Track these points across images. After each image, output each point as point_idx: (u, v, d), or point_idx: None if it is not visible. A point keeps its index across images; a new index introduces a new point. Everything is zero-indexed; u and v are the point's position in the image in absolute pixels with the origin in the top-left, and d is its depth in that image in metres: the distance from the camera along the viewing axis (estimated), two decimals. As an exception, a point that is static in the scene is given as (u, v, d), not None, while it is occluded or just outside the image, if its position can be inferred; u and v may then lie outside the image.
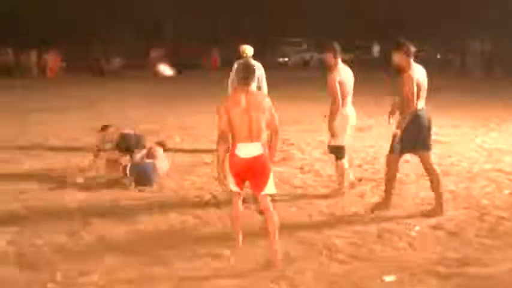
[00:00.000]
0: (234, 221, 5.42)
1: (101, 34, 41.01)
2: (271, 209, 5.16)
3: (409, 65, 6.23)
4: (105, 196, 7.35)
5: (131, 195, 7.41)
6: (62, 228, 6.10)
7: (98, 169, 8.29)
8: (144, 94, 20.49)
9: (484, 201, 6.98)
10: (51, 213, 6.64)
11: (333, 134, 7.01)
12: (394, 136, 6.28)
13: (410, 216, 6.38)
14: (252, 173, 5.08)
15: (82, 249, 5.50)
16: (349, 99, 7.11)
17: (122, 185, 7.74)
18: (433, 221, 6.20)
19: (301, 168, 8.80)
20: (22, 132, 12.32)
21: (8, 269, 5.05)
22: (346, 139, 7.15)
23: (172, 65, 30.94)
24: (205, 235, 5.84)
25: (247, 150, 5.03)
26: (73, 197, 7.29)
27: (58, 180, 7.99)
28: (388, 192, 6.61)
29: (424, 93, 6.36)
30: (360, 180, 7.94)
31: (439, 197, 6.48)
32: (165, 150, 8.63)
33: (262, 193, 5.12)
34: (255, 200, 5.57)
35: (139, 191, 7.57)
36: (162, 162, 8.26)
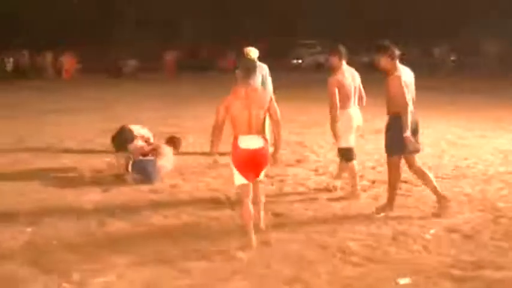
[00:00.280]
0: (247, 220, 5.54)
1: (116, 36, 41.25)
2: (260, 193, 5.73)
3: (394, 67, 6.28)
4: (120, 197, 7.38)
5: (145, 196, 7.44)
6: (77, 228, 6.14)
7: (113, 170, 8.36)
8: (159, 96, 20.59)
9: (499, 203, 6.93)
10: (66, 214, 6.67)
11: (336, 137, 7.06)
12: (407, 139, 6.20)
13: (425, 219, 6.35)
14: (254, 163, 5.46)
15: (97, 250, 5.52)
16: (353, 100, 7.12)
17: (131, 185, 7.86)
18: (448, 223, 6.18)
19: (316, 170, 8.79)
20: (37, 133, 12.42)
21: (24, 269, 5.08)
22: (353, 140, 7.16)
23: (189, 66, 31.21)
24: (219, 236, 5.84)
25: (248, 142, 5.41)
26: (88, 198, 7.33)
27: (73, 181, 8.04)
28: (394, 192, 6.60)
29: (411, 95, 6.37)
30: (374, 182, 7.93)
31: (438, 195, 6.49)
32: (176, 150, 8.72)
33: (258, 179, 5.60)
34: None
35: (153, 192, 7.61)
36: (167, 161, 8.35)
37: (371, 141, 10.95)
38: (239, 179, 5.50)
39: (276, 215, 6.54)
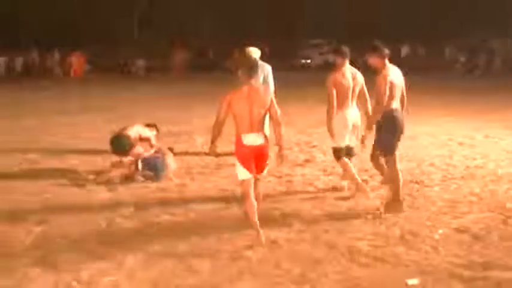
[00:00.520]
0: (252, 213, 5.66)
1: (124, 35, 41.32)
2: (259, 188, 5.94)
3: (384, 66, 6.42)
4: (128, 196, 7.40)
5: (153, 195, 7.46)
6: (86, 227, 6.17)
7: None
8: (168, 95, 20.63)
9: (508, 204, 6.89)
10: (74, 213, 6.70)
11: (331, 135, 7.12)
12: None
13: (433, 219, 6.34)
14: (258, 158, 5.66)
15: (105, 248, 5.54)
16: (350, 101, 7.12)
17: (138, 183, 7.94)
18: (457, 223, 6.16)
19: (324, 170, 8.78)
20: (45, 132, 12.46)
21: (33, 268, 5.10)
22: (345, 140, 7.16)
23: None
24: (227, 235, 5.84)
25: (251, 139, 5.60)
26: (96, 197, 7.36)
27: (81, 180, 8.06)
28: (398, 192, 6.63)
29: (398, 94, 6.51)
30: (382, 182, 7.91)
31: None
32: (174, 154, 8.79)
33: (261, 175, 5.85)
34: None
35: (161, 190, 7.63)
36: (171, 160, 8.50)
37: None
38: (243, 174, 5.65)
39: (284, 214, 6.54)
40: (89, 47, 34.54)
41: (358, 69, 7.26)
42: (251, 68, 5.87)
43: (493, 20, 35.82)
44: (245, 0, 43.03)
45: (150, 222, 6.33)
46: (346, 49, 7.14)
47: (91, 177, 8.12)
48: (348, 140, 7.16)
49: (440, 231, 5.95)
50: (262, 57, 8.84)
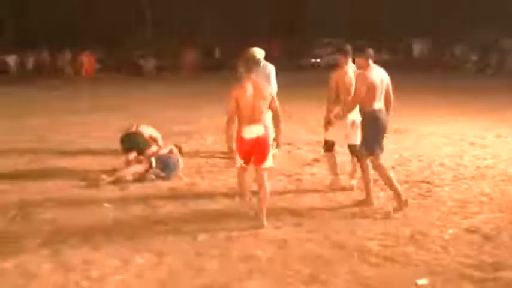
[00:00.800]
0: (241, 184, 6.39)
1: (135, 35, 41.42)
2: (265, 183, 6.13)
3: (367, 67, 6.56)
4: (138, 195, 7.42)
5: (164, 193, 7.48)
6: (96, 226, 6.19)
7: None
8: (179, 95, 20.67)
9: (520, 204, 6.87)
10: (85, 212, 6.73)
11: (325, 128, 7.42)
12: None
13: (444, 219, 6.31)
14: (255, 150, 6.03)
15: (116, 247, 5.56)
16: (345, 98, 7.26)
17: (150, 182, 7.98)
18: (467, 224, 6.13)
19: (334, 169, 8.75)
20: (56, 131, 12.52)
21: (43, 267, 5.13)
22: (332, 135, 7.44)
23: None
24: (236, 235, 5.84)
25: (250, 131, 5.97)
26: (107, 196, 7.38)
27: (91, 180, 8.08)
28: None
29: (381, 95, 6.60)
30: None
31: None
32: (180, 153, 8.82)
33: (262, 166, 6.07)
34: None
35: (171, 189, 7.65)
36: (181, 159, 8.55)
37: (392, 141, 10.91)
38: (238, 162, 6.09)
39: (294, 214, 6.53)
40: (99, 47, 34.66)
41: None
42: (249, 62, 6.29)
43: (504, 19, 35.57)
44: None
45: (160, 221, 6.34)
46: (348, 48, 7.28)
47: (103, 176, 8.14)
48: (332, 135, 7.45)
49: (450, 231, 5.93)
50: (266, 58, 8.79)
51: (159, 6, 42.22)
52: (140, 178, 8.09)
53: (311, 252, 5.39)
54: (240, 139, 6.01)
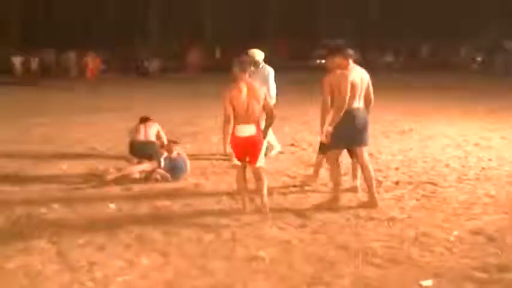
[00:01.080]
0: (239, 183, 6.56)
1: (140, 36, 41.50)
2: (263, 177, 6.42)
3: (346, 67, 6.62)
4: (143, 196, 7.43)
5: (169, 194, 7.48)
6: (101, 227, 6.20)
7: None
8: (183, 95, 20.68)
9: (525, 206, 6.85)
10: (90, 213, 6.75)
11: (321, 129, 7.21)
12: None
13: (448, 220, 6.30)
14: (247, 148, 6.26)
15: (120, 249, 5.56)
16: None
17: (154, 182, 8.00)
18: (472, 225, 6.12)
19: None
20: (62, 132, 12.56)
21: (49, 267, 5.14)
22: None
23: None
24: (240, 237, 5.84)
25: (244, 130, 6.19)
26: (110, 197, 7.39)
27: (98, 181, 8.11)
28: (336, 189, 6.93)
29: (361, 94, 6.67)
30: (397, 183, 7.89)
31: (371, 190, 6.81)
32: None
33: (256, 165, 6.34)
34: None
35: (176, 190, 7.66)
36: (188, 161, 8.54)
37: (396, 142, 10.92)
38: (234, 160, 6.31)
39: (298, 215, 6.53)
40: (104, 48, 34.70)
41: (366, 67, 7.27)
42: (243, 62, 6.41)
43: (509, 20, 35.56)
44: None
45: (164, 222, 6.34)
46: (349, 50, 7.17)
47: (111, 169, 8.15)
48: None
49: (454, 232, 5.91)
50: (274, 58, 8.82)
51: (164, 7, 42.32)
52: (146, 177, 8.12)
53: (315, 253, 5.39)
54: (234, 137, 6.22)
